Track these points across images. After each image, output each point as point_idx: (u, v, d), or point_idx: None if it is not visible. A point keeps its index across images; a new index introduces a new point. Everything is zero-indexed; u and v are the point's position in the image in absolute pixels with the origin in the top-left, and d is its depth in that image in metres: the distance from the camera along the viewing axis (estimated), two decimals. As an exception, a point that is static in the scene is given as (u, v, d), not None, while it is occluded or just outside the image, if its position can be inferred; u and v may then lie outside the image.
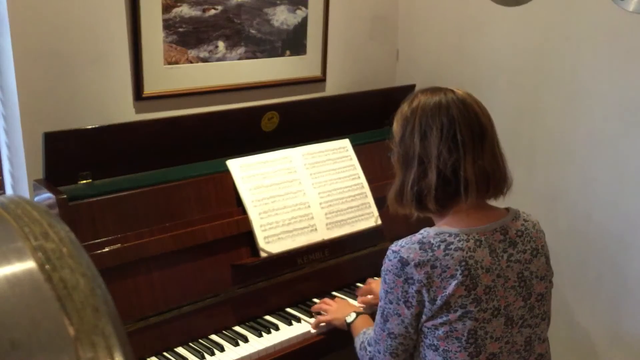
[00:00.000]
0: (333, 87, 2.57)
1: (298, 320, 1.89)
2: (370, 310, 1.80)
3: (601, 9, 2.10)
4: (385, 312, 1.42)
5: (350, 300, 1.99)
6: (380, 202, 2.14)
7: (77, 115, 1.92)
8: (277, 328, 1.85)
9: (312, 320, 1.88)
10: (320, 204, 2.07)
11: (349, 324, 1.72)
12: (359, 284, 2.11)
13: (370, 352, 1.51)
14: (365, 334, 1.60)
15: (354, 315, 1.74)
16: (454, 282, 1.33)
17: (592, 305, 2.30)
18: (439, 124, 1.39)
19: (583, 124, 2.23)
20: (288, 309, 1.95)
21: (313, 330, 1.84)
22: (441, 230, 1.39)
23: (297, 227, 1.99)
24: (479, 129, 1.40)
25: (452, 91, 1.44)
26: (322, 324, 1.85)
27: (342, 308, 1.83)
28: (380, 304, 1.44)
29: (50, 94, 1.88)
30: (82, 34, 1.91)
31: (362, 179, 2.18)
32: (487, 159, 1.40)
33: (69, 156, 1.76)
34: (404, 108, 1.47)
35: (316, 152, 2.14)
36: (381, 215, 2.15)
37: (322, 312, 1.88)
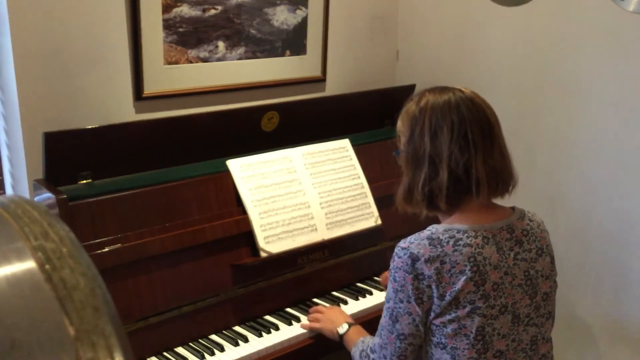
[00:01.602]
0: (333, 87, 2.57)
1: (298, 320, 1.89)
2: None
3: (601, 9, 2.10)
4: (394, 313, 1.40)
5: (350, 302, 1.99)
6: (380, 202, 2.14)
7: (77, 115, 1.92)
8: (277, 328, 1.85)
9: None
10: (320, 203, 2.07)
11: (341, 336, 1.70)
12: (359, 284, 2.11)
13: (374, 359, 1.47)
14: (364, 342, 1.57)
15: (346, 326, 1.70)
16: (463, 278, 1.33)
17: (592, 305, 2.30)
18: (450, 123, 1.38)
19: (583, 124, 2.23)
20: (288, 309, 1.95)
21: (304, 331, 1.83)
22: (449, 227, 1.39)
23: (297, 227, 1.99)
24: (488, 127, 1.41)
25: (460, 90, 1.44)
26: (309, 330, 1.83)
27: (334, 317, 1.79)
28: (388, 305, 1.41)
29: (50, 94, 1.88)
30: (82, 34, 1.91)
31: (362, 179, 2.18)
32: (497, 158, 1.41)
33: (69, 156, 1.76)
34: (411, 107, 1.46)
35: (316, 152, 2.14)
36: (381, 215, 2.15)
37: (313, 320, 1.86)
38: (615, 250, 2.20)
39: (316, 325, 1.81)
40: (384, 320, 1.44)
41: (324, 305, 1.94)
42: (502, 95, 2.41)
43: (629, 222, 2.16)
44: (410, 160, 1.44)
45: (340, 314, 1.81)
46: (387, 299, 1.42)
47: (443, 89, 1.45)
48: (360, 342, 1.59)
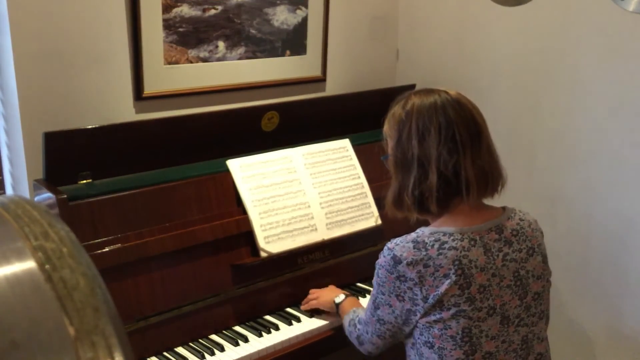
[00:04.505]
0: (333, 87, 2.57)
1: (298, 320, 1.89)
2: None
3: (601, 9, 2.10)
4: (377, 300, 1.45)
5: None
6: (380, 202, 2.14)
7: (77, 115, 1.92)
8: (277, 328, 1.85)
9: (312, 320, 1.89)
10: (320, 203, 2.07)
11: (337, 304, 1.79)
12: (359, 284, 2.11)
13: (359, 329, 1.57)
14: (355, 312, 1.65)
15: (342, 296, 1.82)
16: (447, 282, 1.33)
17: (592, 305, 2.30)
18: (437, 125, 1.39)
19: (583, 124, 2.23)
20: (288, 309, 1.95)
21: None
22: (436, 230, 1.39)
23: (297, 227, 1.99)
24: (475, 128, 1.42)
25: (446, 92, 1.44)
26: (311, 307, 1.91)
27: (329, 292, 1.91)
28: (373, 291, 1.47)
29: (50, 94, 1.88)
30: (82, 34, 1.91)
31: (362, 179, 2.18)
32: (485, 158, 1.42)
33: (69, 156, 1.76)
34: (398, 110, 1.46)
35: (316, 152, 2.14)
36: (381, 215, 2.15)
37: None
38: (615, 250, 2.20)
39: (315, 302, 1.90)
40: (369, 302, 1.51)
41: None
42: (502, 95, 2.41)
43: (629, 222, 2.15)
44: (399, 163, 1.44)
45: (336, 289, 1.95)
46: (373, 287, 1.48)
47: (429, 92, 1.46)
48: (352, 311, 1.69)
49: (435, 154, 1.38)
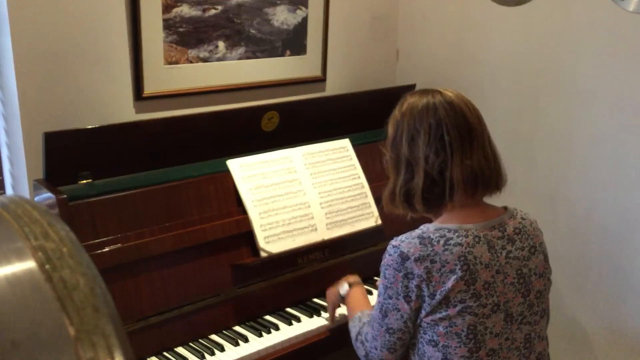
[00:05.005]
0: (333, 87, 2.57)
1: (298, 320, 1.89)
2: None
3: (601, 9, 2.10)
4: (384, 308, 1.43)
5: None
6: (380, 202, 2.14)
7: (77, 115, 1.92)
8: (277, 328, 1.85)
9: (312, 320, 1.89)
10: (321, 203, 2.07)
11: (342, 297, 1.76)
12: (359, 284, 2.11)
13: (367, 347, 1.52)
14: (360, 320, 1.59)
15: (346, 287, 1.76)
16: (453, 277, 1.34)
17: (591, 305, 2.30)
18: (427, 127, 1.42)
19: (583, 124, 2.23)
20: (288, 309, 1.95)
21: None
22: (440, 226, 1.40)
23: (297, 227, 1.99)
24: (467, 128, 1.42)
25: (440, 92, 1.46)
26: (336, 316, 1.86)
27: (336, 283, 1.85)
28: (378, 299, 1.45)
29: (50, 94, 1.88)
30: (82, 34, 1.91)
31: (362, 179, 2.18)
32: (476, 158, 1.42)
33: (69, 156, 1.76)
34: (395, 112, 1.51)
35: (316, 152, 2.14)
36: (381, 215, 2.15)
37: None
38: (615, 250, 2.20)
39: (330, 306, 1.85)
40: (375, 313, 1.47)
41: (324, 305, 1.94)
42: (502, 95, 2.41)
43: (629, 222, 2.16)
44: (393, 164, 1.49)
45: (349, 277, 1.85)
46: (378, 293, 1.45)
47: (423, 93, 1.48)
48: (357, 318, 1.61)
49: (423, 154, 1.41)
